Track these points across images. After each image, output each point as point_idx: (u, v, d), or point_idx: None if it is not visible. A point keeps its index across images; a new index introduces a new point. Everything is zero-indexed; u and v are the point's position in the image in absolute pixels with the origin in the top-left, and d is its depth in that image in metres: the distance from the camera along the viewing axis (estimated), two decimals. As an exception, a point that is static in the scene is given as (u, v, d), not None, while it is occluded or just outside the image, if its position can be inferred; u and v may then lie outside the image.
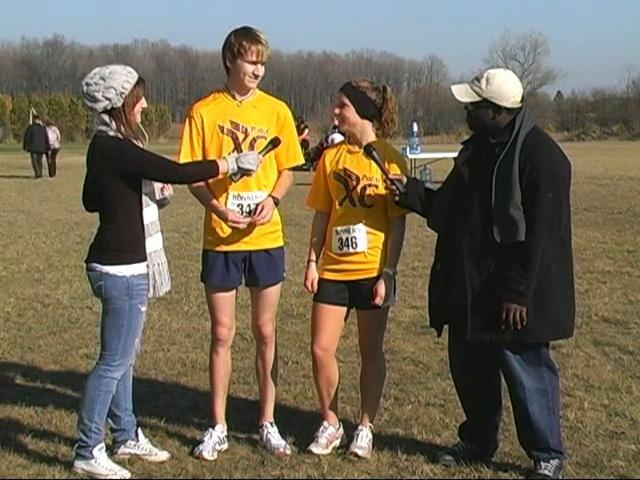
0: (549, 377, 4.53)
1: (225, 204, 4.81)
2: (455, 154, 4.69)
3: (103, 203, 4.57)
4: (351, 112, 4.80)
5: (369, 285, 4.77)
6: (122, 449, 4.84)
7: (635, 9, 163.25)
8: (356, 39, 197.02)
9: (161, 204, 4.75)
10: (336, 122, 5.01)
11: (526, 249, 4.31)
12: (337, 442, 4.95)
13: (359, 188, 4.80)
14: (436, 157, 25.13)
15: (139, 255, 4.55)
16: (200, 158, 4.83)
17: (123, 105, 4.50)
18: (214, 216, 4.86)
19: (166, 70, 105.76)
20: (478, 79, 4.47)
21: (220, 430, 4.97)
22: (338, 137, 21.94)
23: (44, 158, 30.00)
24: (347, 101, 4.79)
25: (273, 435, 4.98)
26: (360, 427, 4.96)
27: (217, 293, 4.91)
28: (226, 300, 4.92)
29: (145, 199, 4.58)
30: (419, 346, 7.12)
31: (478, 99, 4.46)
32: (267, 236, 4.89)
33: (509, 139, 4.41)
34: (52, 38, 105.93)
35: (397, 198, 4.68)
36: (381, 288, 4.73)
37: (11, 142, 66.22)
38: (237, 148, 4.81)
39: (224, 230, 4.84)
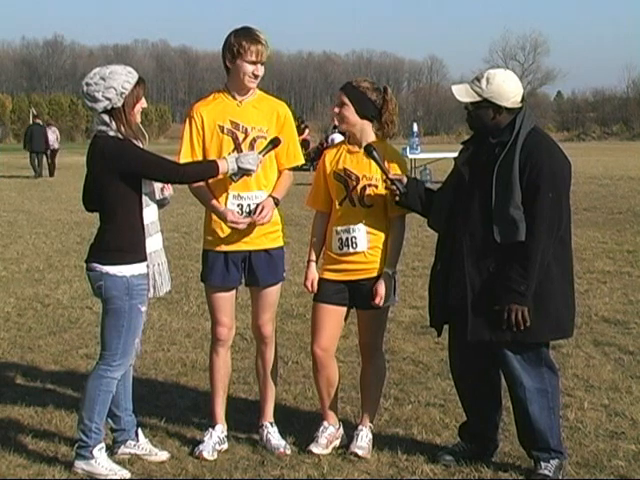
0: (549, 377, 4.53)
1: (225, 204, 4.81)
2: (455, 154, 4.69)
3: (103, 203, 4.57)
4: (350, 112, 4.80)
5: (369, 285, 4.77)
6: (122, 449, 4.84)
7: (635, 9, 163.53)
8: (356, 39, 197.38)
9: (161, 204, 4.75)
10: (336, 122, 5.02)
11: (526, 249, 4.31)
12: (337, 442, 4.95)
13: (359, 188, 4.80)
14: (436, 157, 25.14)
15: (139, 255, 4.55)
16: (200, 158, 4.83)
17: (123, 105, 4.50)
18: (214, 216, 4.86)
19: (166, 70, 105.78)
20: (478, 79, 4.47)
21: (220, 430, 4.97)
22: (338, 137, 21.94)
23: (44, 158, 30.01)
24: (347, 101, 4.79)
25: (273, 435, 4.98)
26: (360, 427, 4.96)
27: (217, 293, 4.91)
28: (226, 300, 4.92)
29: (145, 199, 4.58)
30: (419, 346, 7.12)
31: (478, 99, 4.46)
32: (267, 236, 4.89)
33: (509, 139, 4.41)
34: (52, 38, 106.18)
35: (397, 198, 4.68)
36: (381, 288, 4.73)
37: (11, 142, 66.26)
38: (237, 148, 4.81)
39: (224, 230, 4.84)
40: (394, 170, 4.78)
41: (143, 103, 4.64)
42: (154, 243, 4.64)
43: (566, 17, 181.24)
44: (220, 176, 4.70)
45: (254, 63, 4.75)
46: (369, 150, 4.73)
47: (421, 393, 5.91)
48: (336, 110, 4.85)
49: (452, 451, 4.77)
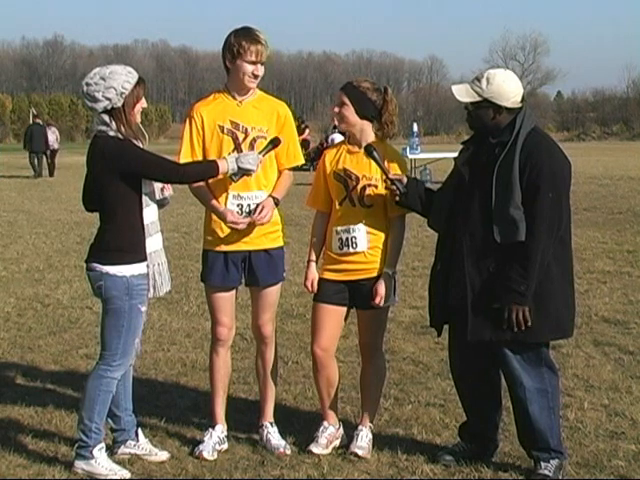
0: (549, 377, 4.53)
1: (225, 204, 4.81)
2: (455, 154, 4.69)
3: (103, 203, 4.57)
4: (350, 112, 4.80)
5: (369, 285, 4.77)
6: (122, 449, 4.84)
7: (635, 9, 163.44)
8: (356, 39, 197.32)
9: (161, 204, 4.75)
10: (336, 122, 5.02)
11: (526, 249, 4.31)
12: (337, 442, 4.95)
13: (359, 188, 4.80)
14: (436, 157, 25.13)
15: (139, 255, 4.55)
16: (200, 158, 4.83)
17: (123, 105, 4.50)
18: (214, 216, 4.86)
19: (166, 70, 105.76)
20: (478, 79, 4.47)
21: (220, 430, 4.97)
22: (338, 137, 21.94)
23: (44, 158, 29.99)
24: (347, 100, 4.79)
25: (273, 435, 4.98)
26: (360, 427, 4.96)
27: (217, 293, 4.91)
28: (226, 300, 4.92)
29: (145, 199, 4.58)
30: (419, 346, 7.12)
31: (478, 99, 4.46)
32: (267, 236, 4.89)
33: (509, 139, 4.41)
34: (52, 38, 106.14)
35: (397, 198, 4.68)
36: (381, 288, 4.73)
37: (11, 142, 66.25)
38: (237, 148, 4.81)
39: (224, 230, 4.84)
40: (394, 170, 4.78)
41: (143, 103, 4.64)
42: (154, 243, 4.64)
43: (566, 17, 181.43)
44: (220, 176, 4.70)
45: (254, 63, 4.75)
46: (369, 150, 4.73)
47: (421, 393, 5.91)
48: (336, 110, 4.85)
49: (452, 451, 4.77)
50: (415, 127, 25.63)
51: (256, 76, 4.80)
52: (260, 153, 4.75)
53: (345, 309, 4.90)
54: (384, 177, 4.73)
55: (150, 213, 4.62)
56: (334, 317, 4.86)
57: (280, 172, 4.96)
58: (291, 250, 9.59)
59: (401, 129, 25.13)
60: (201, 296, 7.76)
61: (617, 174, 26.05)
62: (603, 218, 15.67)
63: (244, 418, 5.34)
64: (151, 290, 4.64)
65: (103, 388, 4.56)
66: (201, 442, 4.91)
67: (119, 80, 4.47)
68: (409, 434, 5.17)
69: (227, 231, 4.83)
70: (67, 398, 5.81)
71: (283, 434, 5.02)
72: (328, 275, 4.87)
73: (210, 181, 4.80)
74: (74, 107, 76.99)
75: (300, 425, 5.27)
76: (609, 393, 5.87)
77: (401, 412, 5.54)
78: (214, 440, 4.90)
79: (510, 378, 4.53)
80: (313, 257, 4.95)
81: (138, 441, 4.85)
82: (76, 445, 4.63)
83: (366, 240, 4.78)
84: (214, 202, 4.82)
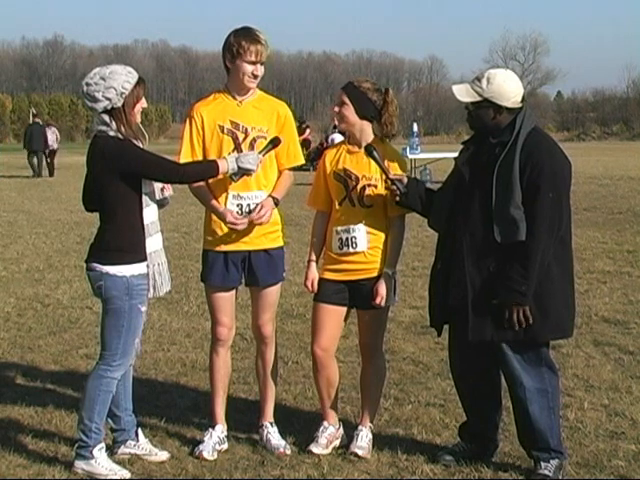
0: (549, 377, 4.53)
1: (225, 204, 4.81)
2: (455, 154, 4.69)
3: (103, 203, 4.57)
4: (350, 111, 4.80)
5: (369, 285, 4.77)
6: (122, 449, 4.84)
7: (635, 9, 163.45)
8: (356, 39, 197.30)
9: (161, 204, 4.75)
10: (336, 121, 5.02)
11: (526, 249, 4.31)
12: (337, 442, 4.95)
13: (358, 188, 4.80)
14: (436, 157, 25.13)
15: (139, 255, 4.55)
16: (200, 158, 4.83)
17: (123, 105, 4.50)
18: (214, 216, 4.86)
19: (166, 70, 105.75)
20: (479, 79, 4.47)
21: (220, 430, 4.97)
22: (338, 137, 21.93)
23: (43, 158, 29.98)
24: (347, 100, 4.79)
25: (273, 435, 4.98)
26: (360, 427, 4.96)
27: (217, 293, 4.91)
28: (226, 300, 4.92)
29: (145, 199, 4.58)
30: (419, 346, 7.12)
31: (479, 99, 4.46)
32: (267, 236, 4.89)
33: (510, 139, 4.41)
34: (52, 38, 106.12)
35: (398, 198, 4.68)
36: (381, 288, 4.73)
37: (11, 142, 66.24)
38: (237, 148, 4.81)
39: (224, 230, 4.84)
40: (394, 170, 4.78)
41: (143, 103, 4.64)
42: (154, 243, 4.64)
43: (566, 17, 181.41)
44: (220, 176, 4.70)
45: (254, 63, 4.75)
46: (369, 150, 4.73)
47: (421, 393, 5.91)
48: (336, 109, 4.85)
49: (452, 451, 4.77)
50: (415, 127, 25.61)
51: (256, 76, 4.80)
52: (260, 153, 4.75)
53: (345, 309, 4.90)
54: (384, 177, 4.73)
55: (150, 213, 4.62)
56: (334, 317, 4.86)
57: (280, 172, 4.96)
58: (291, 250, 9.60)
59: (401, 129, 25.05)
60: (201, 296, 7.76)
61: (617, 174, 26.05)
62: (603, 218, 15.67)
63: (244, 418, 5.34)
64: (151, 290, 4.64)
65: (103, 388, 4.56)
66: (201, 442, 4.91)
67: (119, 80, 4.47)
68: (409, 434, 5.17)
69: (227, 231, 4.83)
70: (67, 398, 5.81)
71: (283, 434, 5.02)
72: (328, 275, 4.87)
73: (210, 181, 4.80)
74: (74, 107, 76.98)
75: (300, 425, 5.27)
76: (609, 393, 5.87)
77: (401, 412, 5.54)
78: (214, 440, 4.90)
79: (510, 378, 4.53)
80: (313, 257, 4.95)
81: (138, 441, 4.85)
82: (76, 445, 4.63)
83: (366, 240, 4.78)
84: (214, 202, 4.82)
